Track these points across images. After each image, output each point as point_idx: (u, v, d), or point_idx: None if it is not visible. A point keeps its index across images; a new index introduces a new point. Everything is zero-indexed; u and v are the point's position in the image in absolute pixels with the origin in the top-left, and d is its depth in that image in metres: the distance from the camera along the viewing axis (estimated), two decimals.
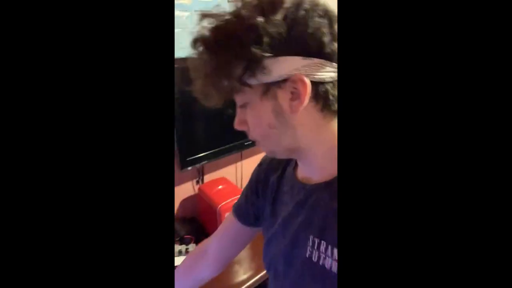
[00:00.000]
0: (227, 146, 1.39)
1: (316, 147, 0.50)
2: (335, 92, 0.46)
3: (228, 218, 0.75)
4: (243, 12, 0.43)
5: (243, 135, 0.53)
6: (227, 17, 0.44)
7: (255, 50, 0.42)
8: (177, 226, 1.39)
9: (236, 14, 0.43)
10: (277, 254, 0.57)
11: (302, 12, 0.43)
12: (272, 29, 0.42)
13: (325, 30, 0.43)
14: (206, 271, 0.76)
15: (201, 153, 1.32)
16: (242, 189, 0.74)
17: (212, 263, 0.76)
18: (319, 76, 0.44)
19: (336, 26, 0.45)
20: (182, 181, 1.46)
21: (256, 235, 0.73)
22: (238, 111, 0.51)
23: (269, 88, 0.45)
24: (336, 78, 0.46)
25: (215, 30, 0.44)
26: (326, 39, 0.43)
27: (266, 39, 0.42)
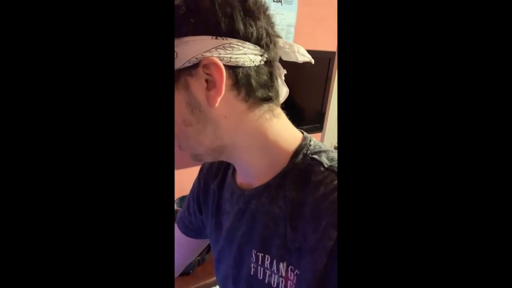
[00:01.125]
0: None
1: (244, 143, 0.43)
2: (260, 78, 0.40)
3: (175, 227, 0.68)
4: None
5: None
6: None
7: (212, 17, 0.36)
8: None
9: None
10: (227, 273, 0.51)
11: None
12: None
13: (235, 3, 0.37)
14: None
15: None
16: None
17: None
18: (236, 59, 0.37)
19: (250, 0, 0.38)
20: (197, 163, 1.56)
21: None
22: None
23: (178, 77, 0.38)
24: (259, 63, 0.40)
25: None
26: (238, 14, 0.37)
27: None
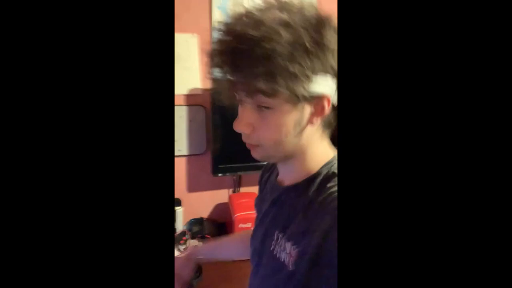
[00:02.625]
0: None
1: (304, 154, 0.55)
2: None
3: None
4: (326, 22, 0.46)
5: None
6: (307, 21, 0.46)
7: (331, 61, 0.46)
8: (206, 224, 1.51)
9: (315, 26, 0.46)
10: (255, 247, 0.64)
11: (333, 28, 0.47)
12: (333, 45, 0.46)
13: (336, 46, 0.47)
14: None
15: (235, 163, 1.42)
16: None
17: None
18: (332, 95, 0.50)
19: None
20: (220, 187, 1.58)
21: None
22: (248, 111, 0.50)
23: (300, 101, 0.48)
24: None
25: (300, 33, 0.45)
26: (336, 56, 0.47)
27: (330, 53, 0.46)
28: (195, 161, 1.49)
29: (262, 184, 0.73)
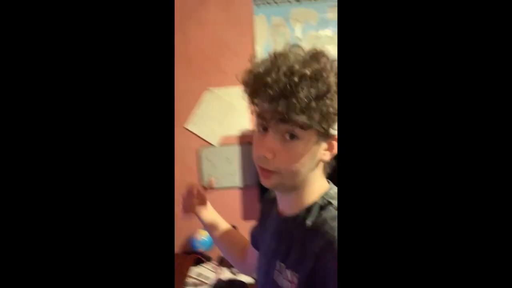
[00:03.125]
0: None
1: (306, 186, 0.59)
2: None
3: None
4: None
5: None
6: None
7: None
8: None
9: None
10: (260, 277, 0.69)
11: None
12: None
13: None
14: (241, 267, 0.93)
15: None
16: None
17: (246, 266, 0.89)
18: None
19: None
20: None
21: None
22: (272, 138, 0.53)
23: (323, 138, 0.53)
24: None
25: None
26: None
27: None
28: (248, 192, 1.72)
29: (264, 216, 0.75)
